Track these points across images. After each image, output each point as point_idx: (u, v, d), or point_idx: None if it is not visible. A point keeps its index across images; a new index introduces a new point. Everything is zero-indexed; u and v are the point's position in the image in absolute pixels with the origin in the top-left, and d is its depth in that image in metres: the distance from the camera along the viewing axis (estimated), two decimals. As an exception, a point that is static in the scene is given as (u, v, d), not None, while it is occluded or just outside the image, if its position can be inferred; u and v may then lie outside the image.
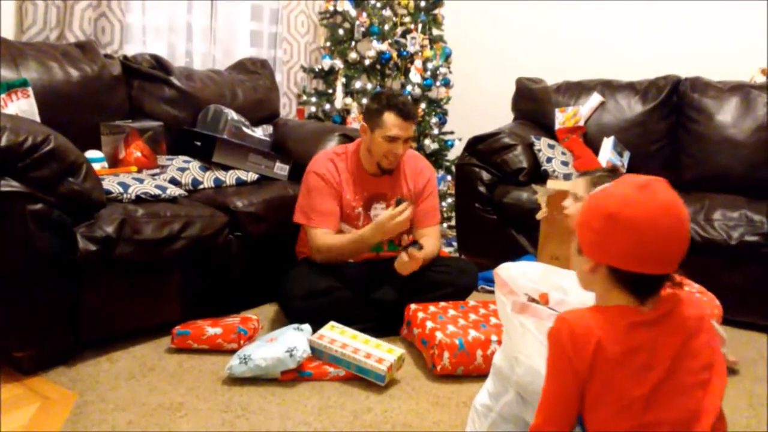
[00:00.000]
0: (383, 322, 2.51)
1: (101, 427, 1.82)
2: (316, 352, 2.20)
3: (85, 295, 2.14)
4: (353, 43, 3.77)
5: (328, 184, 2.57)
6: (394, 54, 3.71)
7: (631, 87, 3.44)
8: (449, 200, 3.88)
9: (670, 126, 3.31)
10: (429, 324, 2.29)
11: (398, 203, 2.46)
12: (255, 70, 3.46)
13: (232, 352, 2.22)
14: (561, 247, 2.52)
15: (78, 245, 2.07)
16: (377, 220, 2.47)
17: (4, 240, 1.95)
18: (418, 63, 3.72)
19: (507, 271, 1.65)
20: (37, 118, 2.38)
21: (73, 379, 2.07)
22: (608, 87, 3.48)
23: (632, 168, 3.25)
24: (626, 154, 3.30)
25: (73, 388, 2.02)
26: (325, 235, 2.53)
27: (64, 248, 2.05)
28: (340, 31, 3.82)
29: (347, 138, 3.03)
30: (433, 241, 2.66)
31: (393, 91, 2.90)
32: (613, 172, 2.28)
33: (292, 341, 2.14)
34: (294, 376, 2.13)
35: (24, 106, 2.37)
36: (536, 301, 1.69)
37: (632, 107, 3.38)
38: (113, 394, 2.00)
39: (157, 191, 2.43)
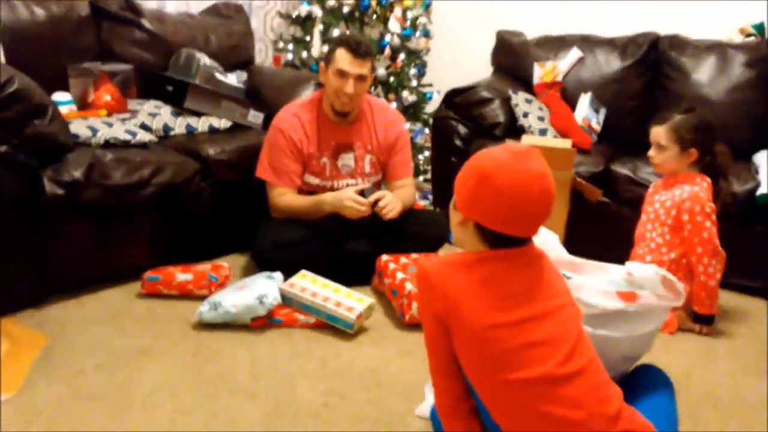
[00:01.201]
0: (355, 273, 2.52)
1: (69, 369, 1.83)
2: (287, 300, 2.22)
3: (53, 239, 2.12)
4: (332, -11, 3.67)
5: (290, 142, 2.54)
6: (374, 2, 3.63)
7: (610, 43, 3.41)
8: (426, 153, 3.87)
9: (646, 83, 3.30)
10: (399, 275, 2.31)
11: (363, 194, 2.44)
12: (229, 14, 3.37)
13: (203, 298, 2.23)
14: None
15: (45, 189, 2.04)
16: (340, 194, 2.46)
17: (-33, 182, 1.92)
18: (397, 12, 3.65)
19: None
20: (2, 59, 2.31)
21: (42, 322, 2.07)
22: (587, 42, 3.45)
23: (608, 125, 3.26)
24: (602, 111, 3.30)
25: (42, 330, 2.02)
26: (283, 196, 2.54)
27: (31, 192, 2.03)
28: (319, -24, 3.72)
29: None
30: (408, 191, 2.66)
31: (351, 31, 2.85)
32: (690, 111, 2.32)
33: (262, 289, 2.15)
34: (264, 322, 2.15)
35: (-13, 45, 2.30)
36: None
37: (610, 63, 3.37)
38: (82, 337, 2.00)
39: (128, 136, 2.39)
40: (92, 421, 1.63)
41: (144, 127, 2.61)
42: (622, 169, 2.89)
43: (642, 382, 1.51)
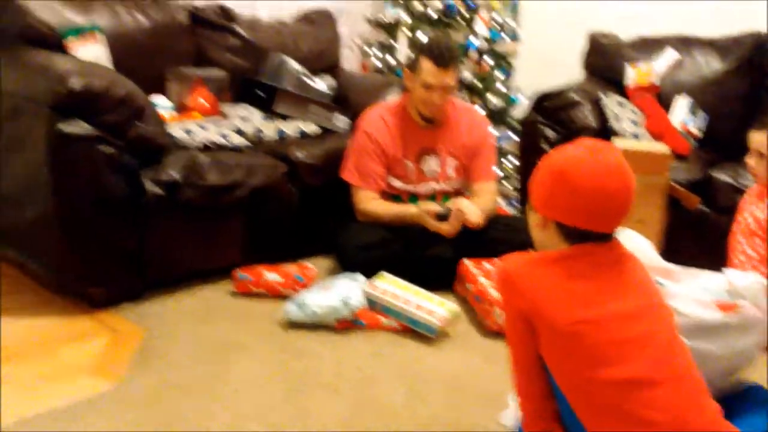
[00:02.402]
0: (437, 278, 2.51)
1: (165, 361, 1.92)
2: (369, 302, 2.23)
3: (152, 236, 2.23)
4: (419, -7, 3.68)
5: (376, 144, 2.56)
6: (460, 5, 3.61)
7: (710, 44, 3.25)
8: (512, 159, 3.80)
9: (751, 86, 3.11)
10: (483, 280, 2.28)
11: (443, 218, 2.42)
12: (319, 21, 3.45)
13: (289, 297, 2.28)
14: (646, 210, 2.37)
15: (145, 188, 2.15)
16: (424, 210, 2.45)
17: (76, 183, 2.04)
18: (484, 14, 3.61)
19: None
20: (109, 64, 2.45)
21: (141, 316, 2.18)
22: (685, 43, 3.30)
23: (709, 130, 3.10)
24: (702, 115, 3.14)
25: (141, 323, 2.13)
26: (368, 200, 2.56)
27: (133, 191, 2.14)
28: (407, -18, 3.74)
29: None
30: (489, 197, 2.63)
31: (437, 36, 2.82)
32: None
33: (346, 290, 2.18)
34: (348, 324, 2.17)
35: (95, 52, 2.44)
36: None
37: (711, 65, 3.20)
38: (177, 331, 2.09)
39: (222, 140, 2.49)
40: (184, 411, 1.69)
41: (237, 131, 2.69)
42: (723, 176, 2.73)
43: (742, 400, 1.42)
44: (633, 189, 1.24)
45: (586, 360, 1.18)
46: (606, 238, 1.26)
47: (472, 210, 2.44)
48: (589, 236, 1.23)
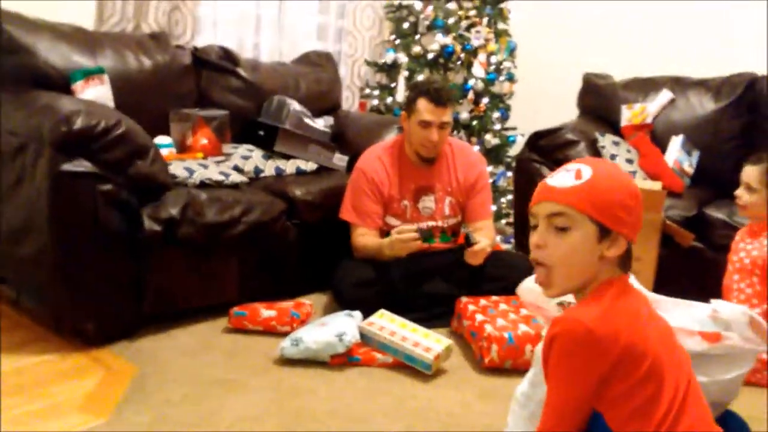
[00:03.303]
0: (434, 314, 2.51)
1: (158, 398, 1.91)
2: (366, 339, 2.23)
3: (149, 272, 2.24)
4: (417, 36, 3.78)
5: (372, 183, 2.60)
6: (458, 48, 3.70)
7: (703, 84, 3.31)
8: (509, 197, 3.84)
9: (744, 125, 3.16)
10: (479, 317, 2.28)
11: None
12: (319, 62, 3.53)
13: (285, 334, 2.28)
14: (641, 247, 2.42)
15: (144, 225, 2.17)
16: (388, 240, 2.48)
17: (75, 217, 2.07)
18: (481, 57, 3.69)
19: (531, 288, 1.57)
20: (112, 104, 2.51)
21: (135, 353, 2.17)
22: (678, 84, 3.36)
23: (702, 168, 3.13)
24: (695, 154, 3.18)
25: (135, 360, 2.12)
26: (361, 236, 2.59)
27: (131, 227, 2.17)
28: (405, 25, 3.83)
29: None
30: (488, 234, 2.64)
31: (431, 77, 2.88)
32: None
33: (342, 326, 2.18)
34: (343, 360, 2.17)
35: (99, 92, 2.50)
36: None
37: (704, 105, 3.25)
38: (171, 367, 2.09)
39: (221, 177, 2.52)
40: (177, 448, 1.68)
41: (236, 168, 2.74)
42: (716, 213, 2.76)
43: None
44: None
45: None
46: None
47: (485, 246, 2.46)
48: (630, 251, 1.23)
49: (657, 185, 2.77)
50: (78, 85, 2.48)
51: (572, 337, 1.11)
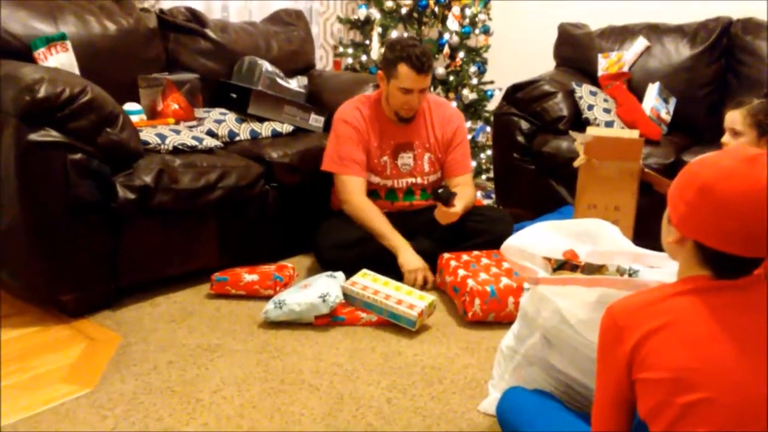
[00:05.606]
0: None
1: (143, 366, 1.90)
2: (349, 299, 2.24)
3: (125, 242, 2.22)
4: (390, -9, 3.69)
5: (355, 130, 2.57)
6: (431, 1, 3.63)
7: (679, 30, 3.29)
8: (488, 152, 3.83)
9: (718, 70, 3.16)
10: (461, 272, 2.29)
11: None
12: (290, 21, 3.44)
13: (268, 298, 2.28)
14: (598, 196, 2.47)
15: (117, 194, 2.13)
16: (407, 261, 2.45)
17: (46, 189, 2.03)
18: (455, 10, 3.63)
19: (515, 245, 1.56)
20: (77, 71, 2.44)
21: (118, 322, 2.16)
22: (654, 31, 3.33)
23: (678, 115, 3.14)
24: (672, 101, 3.17)
25: (118, 330, 2.11)
26: (356, 192, 2.54)
27: (104, 196, 2.13)
28: (377, -20, 3.75)
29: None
30: (468, 189, 2.64)
31: (410, 39, 2.82)
32: None
33: (325, 287, 2.18)
34: (327, 320, 2.17)
35: (63, 60, 2.42)
36: (564, 261, 1.65)
37: (680, 51, 3.24)
38: (155, 335, 2.08)
39: (194, 142, 2.48)
40: (164, 414, 1.69)
41: (210, 133, 2.69)
42: (694, 160, 2.77)
43: None
44: None
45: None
46: (751, 265, 1.07)
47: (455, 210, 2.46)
48: (731, 261, 1.05)
49: (634, 133, 2.77)
50: (40, 53, 2.40)
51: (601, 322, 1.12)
